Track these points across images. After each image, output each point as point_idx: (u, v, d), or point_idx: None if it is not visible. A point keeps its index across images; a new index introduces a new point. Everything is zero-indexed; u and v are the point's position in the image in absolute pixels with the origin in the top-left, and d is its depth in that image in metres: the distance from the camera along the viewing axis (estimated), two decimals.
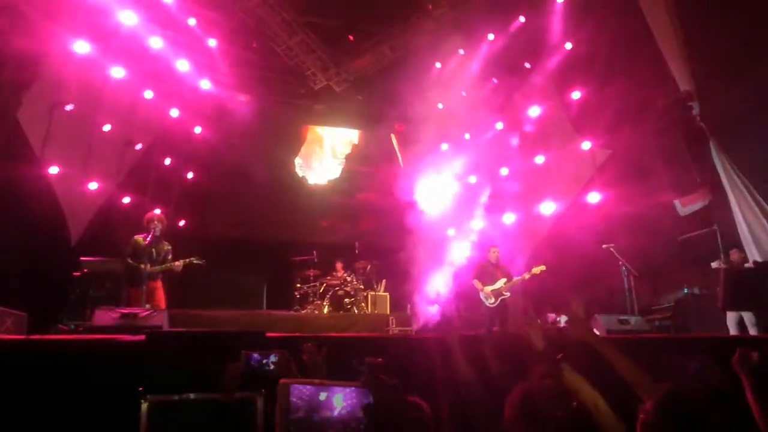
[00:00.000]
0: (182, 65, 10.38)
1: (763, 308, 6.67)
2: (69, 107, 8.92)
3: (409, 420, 3.06)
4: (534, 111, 11.01)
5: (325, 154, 14.21)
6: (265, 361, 3.64)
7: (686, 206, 9.19)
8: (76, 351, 4.35)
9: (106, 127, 9.83)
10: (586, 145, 10.11)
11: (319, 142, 14.27)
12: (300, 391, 3.06)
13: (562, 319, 8.26)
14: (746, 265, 8.61)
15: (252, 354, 3.59)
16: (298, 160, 13.81)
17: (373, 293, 11.03)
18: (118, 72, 9.46)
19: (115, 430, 3.86)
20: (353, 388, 3.09)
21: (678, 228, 9.35)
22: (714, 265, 8.39)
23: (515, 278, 8.97)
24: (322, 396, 3.07)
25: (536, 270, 8.87)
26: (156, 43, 9.80)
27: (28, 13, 7.71)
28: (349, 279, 10.90)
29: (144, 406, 3.75)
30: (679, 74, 8.92)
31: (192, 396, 3.81)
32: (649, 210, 9.05)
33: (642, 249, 8.99)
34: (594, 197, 9.72)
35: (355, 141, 14.35)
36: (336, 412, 3.05)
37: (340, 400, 3.06)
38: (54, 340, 4.63)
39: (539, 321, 9.61)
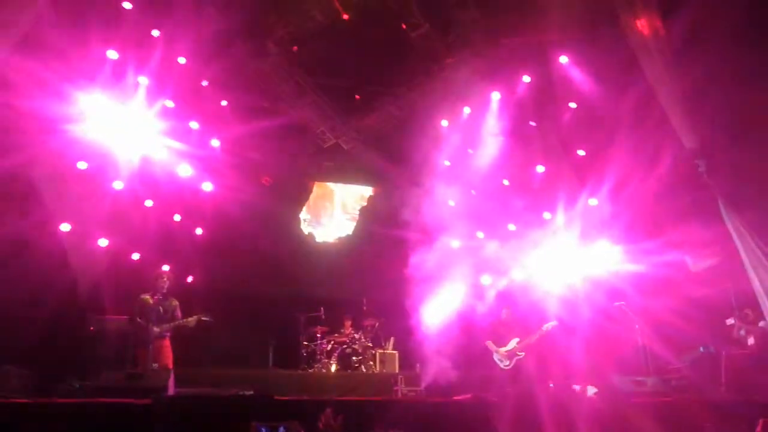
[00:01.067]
0: (193, 125, 10.64)
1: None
2: (82, 166, 9.08)
3: None
4: (540, 168, 11.11)
5: (335, 210, 14.29)
6: None
7: (698, 263, 9.11)
8: (83, 414, 4.27)
9: (118, 186, 9.95)
10: (593, 202, 10.14)
11: (330, 197, 14.37)
12: None
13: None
14: (761, 323, 8.47)
15: (261, 427, 3.47)
16: (305, 215, 13.87)
17: (381, 351, 10.85)
18: None
19: None
20: None
21: (690, 285, 9.23)
22: (729, 322, 8.24)
23: (528, 337, 8.82)
24: None
25: (548, 326, 8.75)
26: (168, 103, 10.07)
27: (47, 78, 7.96)
28: (357, 337, 10.75)
29: None
30: (683, 131, 9.00)
31: None
32: (659, 267, 8.97)
33: (654, 306, 8.88)
34: (603, 253, 9.68)
35: (367, 196, 14.46)
36: None
37: None
38: (60, 403, 4.55)
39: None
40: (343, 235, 14.01)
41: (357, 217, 14.23)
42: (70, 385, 7.16)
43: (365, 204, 14.41)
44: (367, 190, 14.50)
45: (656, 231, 9.32)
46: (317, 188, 14.31)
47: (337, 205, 14.40)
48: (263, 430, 3.45)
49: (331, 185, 14.45)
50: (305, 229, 13.82)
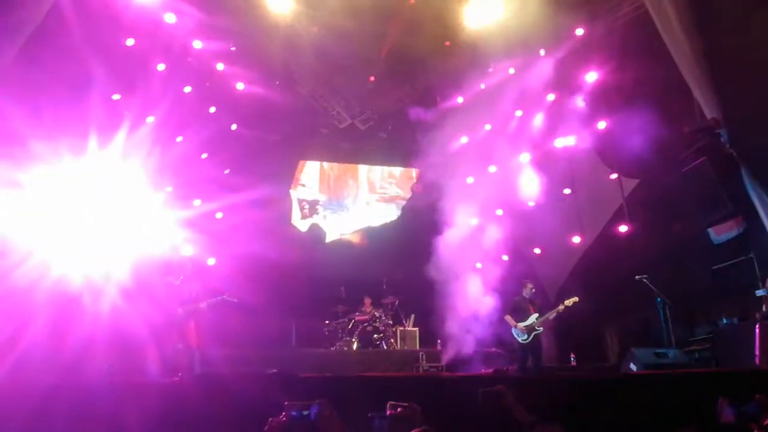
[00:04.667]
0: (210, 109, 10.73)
1: None
2: None
3: None
4: (560, 143, 10.97)
5: (360, 189, 14.20)
6: (306, 412, 3.52)
7: (720, 235, 8.98)
8: (112, 393, 4.41)
9: None
10: (613, 176, 10.03)
11: (353, 173, 14.27)
12: None
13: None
14: None
15: (293, 405, 3.49)
16: (319, 196, 13.86)
17: (402, 329, 10.95)
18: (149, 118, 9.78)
19: None
20: None
21: (712, 257, 9.13)
22: (760, 293, 8.10)
23: (548, 313, 8.83)
24: None
25: (569, 302, 8.72)
26: (186, 89, 10.16)
27: None
28: (377, 315, 10.85)
29: None
30: (705, 102, 8.83)
31: None
32: (681, 240, 8.88)
33: (676, 279, 8.81)
34: (624, 227, 9.59)
35: (397, 174, 14.44)
36: None
37: None
38: (93, 384, 4.70)
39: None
40: (365, 226, 13.84)
41: (387, 197, 14.11)
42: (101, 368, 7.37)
43: (395, 182, 14.31)
44: (382, 170, 14.41)
45: (677, 203, 9.20)
46: (337, 168, 14.19)
47: (362, 183, 14.24)
48: (294, 412, 3.46)
49: (350, 166, 14.32)
50: (319, 217, 13.68)
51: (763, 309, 8.04)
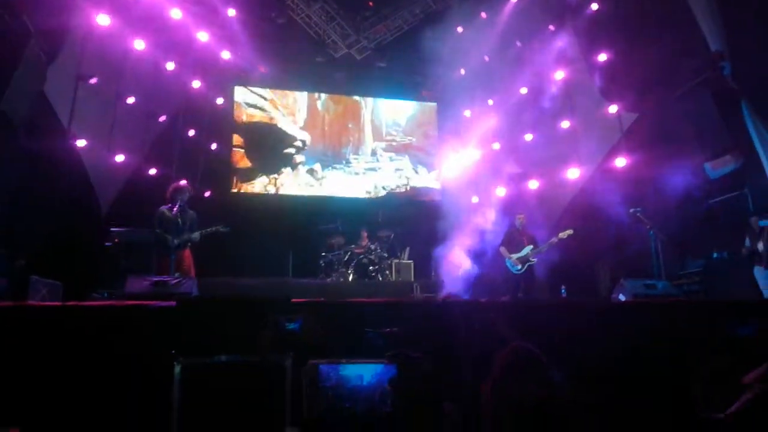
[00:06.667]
0: (202, 36, 10.40)
1: None
2: (93, 80, 9.01)
3: (433, 390, 3.14)
4: (559, 75, 10.76)
5: (364, 132, 13.41)
6: (292, 326, 3.76)
7: (717, 169, 8.96)
8: (110, 316, 4.48)
9: (130, 100, 9.93)
10: (612, 109, 9.88)
11: (355, 113, 13.44)
12: (328, 369, 3.16)
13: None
14: None
15: (280, 318, 3.69)
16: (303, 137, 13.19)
17: (397, 261, 11.09)
18: (139, 44, 9.51)
19: (149, 391, 3.99)
20: (380, 365, 3.17)
21: (708, 192, 9.14)
22: (763, 223, 8.14)
23: (542, 245, 8.93)
24: (349, 372, 3.16)
25: (563, 234, 8.82)
26: (176, 14, 9.81)
27: None
28: (373, 247, 10.96)
29: (177, 368, 3.87)
30: (710, 33, 8.61)
31: (223, 358, 3.93)
32: (677, 174, 8.86)
33: (670, 213, 8.84)
34: (621, 161, 9.54)
35: (407, 116, 13.75)
36: (363, 386, 3.14)
37: (367, 375, 3.15)
38: (89, 306, 4.76)
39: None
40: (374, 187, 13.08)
41: (396, 143, 13.43)
42: (99, 295, 7.49)
43: (403, 126, 13.54)
44: (404, 108, 13.63)
45: (675, 137, 9.12)
46: (334, 104, 13.43)
47: (366, 125, 13.44)
48: (283, 321, 3.66)
49: (358, 99, 13.56)
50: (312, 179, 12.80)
51: (747, 243, 8.14)
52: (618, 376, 4.34)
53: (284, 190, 12.53)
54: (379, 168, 13.27)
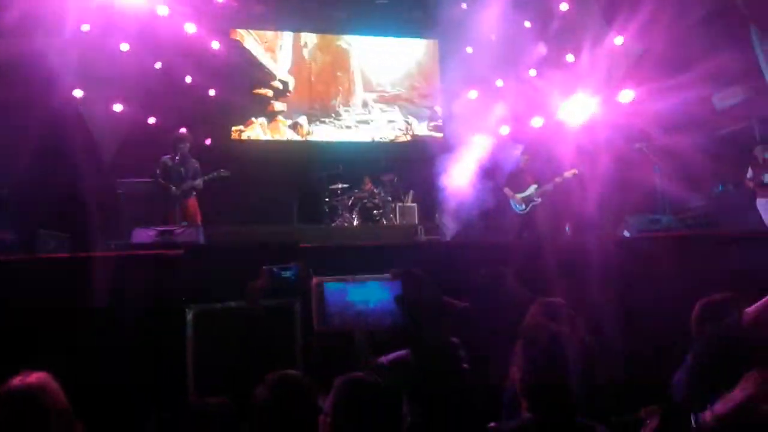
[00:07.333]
0: None
1: None
2: (85, 28, 8.79)
3: (438, 306, 3.22)
4: (564, 6, 10.40)
5: (355, 85, 12.54)
6: (285, 273, 3.82)
7: (724, 101, 8.80)
8: (118, 266, 4.53)
9: (124, 47, 9.70)
10: (618, 41, 9.60)
11: (343, 63, 12.52)
12: (334, 288, 3.21)
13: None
14: None
15: (272, 268, 3.79)
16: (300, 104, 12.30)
17: (401, 204, 11.09)
18: None
19: (161, 337, 4.08)
20: (384, 282, 3.22)
21: (715, 124, 9.00)
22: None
23: (546, 185, 8.88)
24: (356, 290, 3.22)
25: (568, 174, 8.77)
26: None
27: None
28: (376, 191, 10.94)
29: (189, 314, 3.95)
30: None
31: (233, 304, 3.99)
32: (684, 106, 8.70)
33: (676, 147, 8.75)
34: (626, 96, 9.35)
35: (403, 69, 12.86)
36: (370, 305, 3.20)
37: (372, 293, 3.21)
38: (97, 257, 4.82)
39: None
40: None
41: (389, 95, 12.61)
42: (106, 246, 7.55)
43: (399, 77, 12.65)
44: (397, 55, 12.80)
45: (684, 67, 8.90)
46: (322, 53, 12.44)
47: (356, 74, 12.52)
48: (275, 270, 3.77)
49: (343, 44, 12.69)
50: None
51: (749, 175, 8.08)
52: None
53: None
54: (371, 120, 12.65)
